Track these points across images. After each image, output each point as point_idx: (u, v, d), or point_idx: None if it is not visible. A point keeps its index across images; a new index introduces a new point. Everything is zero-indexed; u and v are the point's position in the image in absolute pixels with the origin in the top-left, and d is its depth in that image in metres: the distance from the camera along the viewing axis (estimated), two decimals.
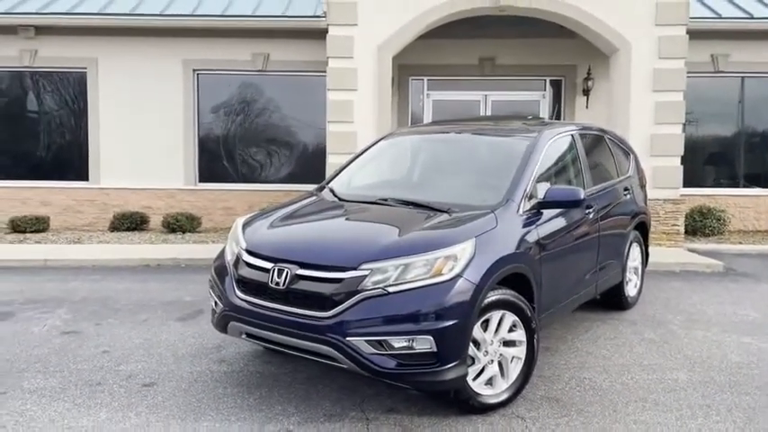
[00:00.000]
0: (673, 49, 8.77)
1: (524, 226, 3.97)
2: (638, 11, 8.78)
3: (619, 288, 5.60)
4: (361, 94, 8.96)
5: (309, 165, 10.67)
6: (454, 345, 3.32)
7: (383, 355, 3.28)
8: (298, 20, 10.06)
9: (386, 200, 4.26)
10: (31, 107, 10.91)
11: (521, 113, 10.38)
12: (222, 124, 10.93)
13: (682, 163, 9.08)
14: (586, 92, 10.50)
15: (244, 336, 3.76)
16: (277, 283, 3.52)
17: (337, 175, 5.00)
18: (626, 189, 5.64)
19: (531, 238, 3.98)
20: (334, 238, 3.83)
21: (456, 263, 3.41)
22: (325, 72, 9.20)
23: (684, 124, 9.15)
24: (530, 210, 4.06)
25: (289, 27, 10.16)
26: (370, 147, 5.29)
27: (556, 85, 10.96)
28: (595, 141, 5.53)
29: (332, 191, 4.70)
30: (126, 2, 10.57)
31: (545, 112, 10.95)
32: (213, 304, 3.98)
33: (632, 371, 4.36)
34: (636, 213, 5.78)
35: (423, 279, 3.34)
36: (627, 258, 5.62)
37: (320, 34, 9.35)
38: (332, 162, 8.74)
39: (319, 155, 10.26)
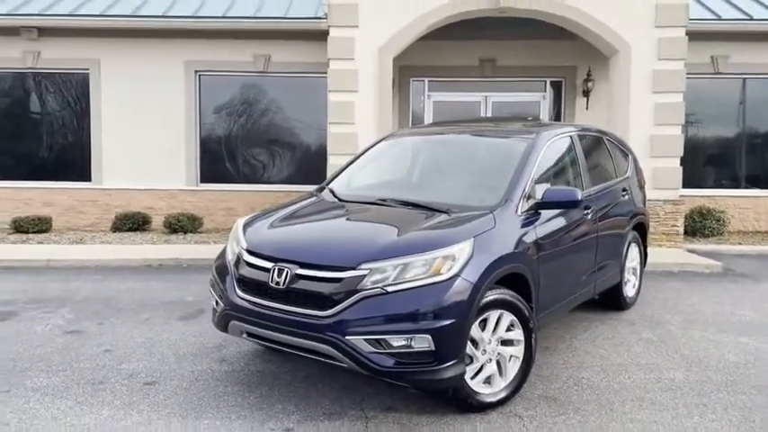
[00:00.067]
0: (672, 51, 8.80)
1: (522, 226, 4.01)
2: (637, 12, 8.82)
3: (617, 288, 5.63)
4: (362, 95, 9.00)
5: (310, 165, 10.71)
6: (452, 344, 3.36)
7: (382, 353, 3.32)
8: (299, 21, 10.11)
9: (385, 200, 4.30)
10: (34, 108, 10.97)
11: (521, 115, 10.43)
12: (224, 125, 10.99)
13: (681, 164, 9.11)
14: (586, 93, 10.54)
15: (244, 335, 3.80)
16: (277, 283, 3.56)
17: (337, 175, 5.04)
18: (624, 190, 5.68)
19: (530, 238, 4.01)
20: (334, 239, 3.87)
21: (454, 263, 3.45)
22: (326, 73, 9.24)
23: (686, 125, 9.19)
24: (528, 210, 4.09)
25: (290, 29, 10.21)
26: (370, 148, 5.33)
27: (556, 87, 11.00)
28: (594, 142, 5.57)
29: (332, 191, 4.74)
30: (128, 3, 10.63)
31: (545, 113, 10.99)
32: (214, 303, 4.03)
33: (629, 370, 4.40)
34: (634, 214, 5.81)
35: (421, 279, 3.38)
36: (625, 259, 5.65)
37: (321, 36, 9.40)
38: (333, 163, 8.78)
39: (320, 156, 10.30)
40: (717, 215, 9.90)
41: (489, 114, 10.91)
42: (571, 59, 10.60)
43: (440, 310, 3.33)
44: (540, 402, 3.84)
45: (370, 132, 8.77)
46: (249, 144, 11.01)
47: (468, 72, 10.82)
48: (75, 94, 10.87)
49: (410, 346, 3.31)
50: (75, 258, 8.08)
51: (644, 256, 6.24)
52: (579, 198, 4.18)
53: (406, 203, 4.22)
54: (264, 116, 11.04)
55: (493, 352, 3.69)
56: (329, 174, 7.50)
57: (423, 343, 3.30)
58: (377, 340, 3.31)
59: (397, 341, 3.30)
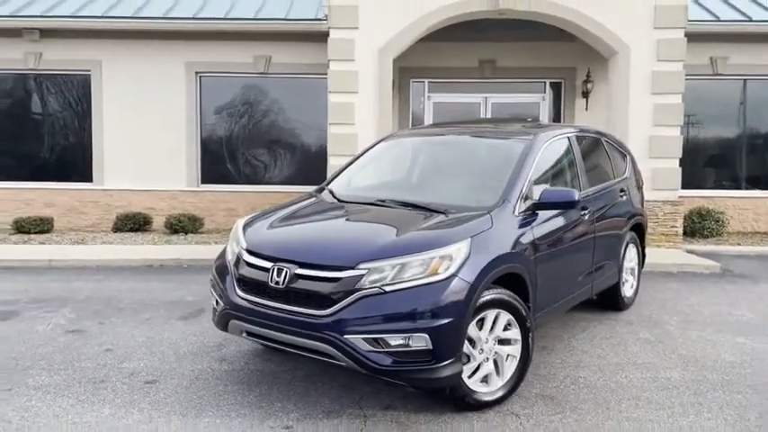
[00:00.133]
0: (671, 52, 8.84)
1: (520, 227, 4.04)
2: (636, 14, 8.85)
3: (615, 289, 5.66)
4: (362, 96, 9.04)
5: (311, 166, 10.76)
6: (449, 342, 3.39)
7: (380, 352, 3.35)
8: (299, 23, 10.16)
9: (384, 201, 4.34)
10: (36, 109, 11.03)
11: (520, 116, 10.47)
12: (224, 126, 11.03)
13: (680, 165, 9.14)
14: (586, 94, 10.57)
15: (244, 334, 3.83)
16: (277, 282, 3.59)
17: (337, 176, 5.08)
18: (622, 191, 5.71)
19: (527, 238, 4.05)
20: (333, 239, 3.91)
21: (451, 262, 3.48)
22: (326, 74, 9.28)
23: (685, 126, 9.21)
24: (525, 211, 4.13)
25: (290, 30, 10.26)
26: (369, 149, 5.36)
27: (556, 88, 11.04)
28: (592, 144, 5.60)
29: (331, 192, 4.78)
30: (130, 5, 10.68)
31: (545, 114, 11.02)
32: (214, 303, 4.06)
33: (627, 369, 4.43)
34: (632, 215, 5.84)
35: (419, 278, 3.42)
36: (623, 259, 5.68)
37: (322, 37, 9.44)
38: (333, 164, 8.83)
39: (321, 156, 10.34)
40: (716, 216, 9.93)
41: (489, 115, 10.95)
42: (571, 61, 10.64)
43: (437, 310, 3.36)
44: (538, 401, 3.87)
45: (370, 133, 8.81)
46: (250, 145, 11.06)
47: (468, 73, 10.86)
48: (76, 95, 10.93)
49: (408, 345, 3.35)
50: (76, 258, 8.12)
51: (642, 257, 6.27)
52: (576, 199, 4.21)
53: (404, 204, 4.25)
54: (265, 117, 11.09)
55: (490, 351, 3.72)
56: (329, 174, 7.55)
57: (420, 342, 3.34)
58: (375, 339, 3.34)
59: (395, 340, 3.34)
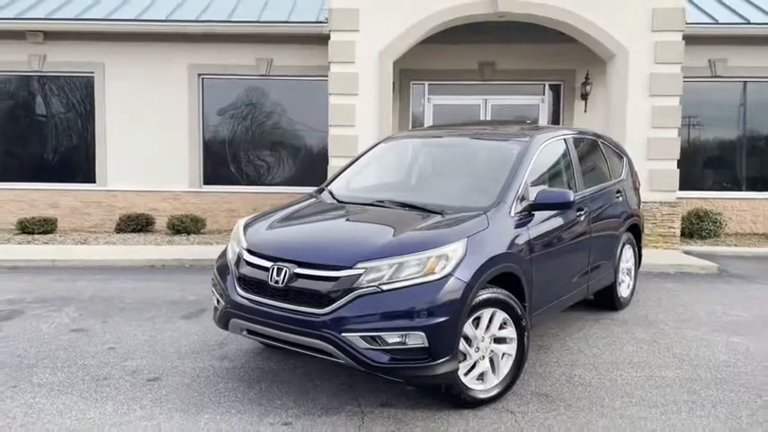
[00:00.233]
0: (669, 55, 8.90)
1: (516, 227, 4.11)
2: (634, 17, 8.91)
3: (611, 289, 5.72)
4: (363, 98, 9.12)
5: (312, 167, 10.83)
6: (445, 340, 3.46)
7: (377, 350, 3.42)
8: (301, 25, 10.25)
9: (382, 202, 4.41)
10: (40, 111, 11.13)
11: (519, 118, 10.55)
12: (227, 128, 11.12)
13: (679, 166, 9.20)
14: (585, 96, 10.63)
15: (244, 332, 3.90)
16: (276, 282, 3.67)
17: (336, 177, 5.16)
18: (618, 192, 5.77)
19: (523, 238, 4.11)
20: (332, 239, 3.98)
21: (447, 262, 3.55)
22: (327, 76, 9.36)
23: (685, 128, 9.25)
24: (521, 212, 4.19)
25: (292, 32, 10.35)
26: (368, 150, 5.44)
27: (555, 90, 11.11)
28: (589, 145, 5.67)
29: (331, 193, 4.85)
30: (132, 8, 10.78)
31: (544, 116, 11.09)
32: (215, 302, 4.14)
33: (621, 368, 4.49)
34: (629, 215, 5.91)
35: (415, 277, 3.48)
36: (619, 260, 5.74)
37: (323, 40, 9.52)
38: (333, 165, 8.90)
39: (322, 158, 10.40)
40: (714, 217, 9.98)
41: (489, 117, 11.02)
42: (570, 63, 10.70)
43: (433, 308, 3.43)
44: (533, 399, 3.93)
45: (370, 135, 8.88)
46: (251, 146, 11.14)
47: (468, 75, 10.93)
48: (79, 96, 11.02)
49: (404, 343, 3.41)
50: (79, 259, 8.21)
51: (638, 258, 6.33)
52: (571, 200, 4.28)
53: (402, 205, 4.32)
54: (267, 119, 11.18)
55: (486, 349, 3.79)
56: (329, 176, 7.62)
57: (417, 340, 3.41)
58: (372, 337, 3.41)
59: (392, 338, 3.41)
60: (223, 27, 10.31)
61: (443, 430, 3.50)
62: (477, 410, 3.72)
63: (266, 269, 3.75)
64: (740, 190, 10.90)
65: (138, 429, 3.49)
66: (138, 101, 10.76)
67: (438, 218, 4.00)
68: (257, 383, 4.14)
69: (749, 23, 10.00)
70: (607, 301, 5.83)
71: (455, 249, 3.60)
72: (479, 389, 3.77)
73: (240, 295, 3.84)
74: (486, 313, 3.75)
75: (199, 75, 10.81)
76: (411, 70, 10.74)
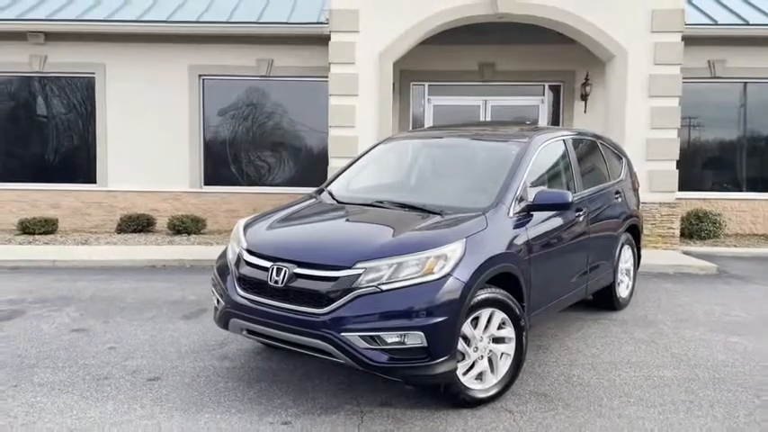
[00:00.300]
0: (668, 56, 8.91)
1: (514, 228, 4.13)
2: (634, 18, 8.93)
3: (610, 289, 5.74)
4: (363, 99, 9.14)
5: (312, 168, 10.85)
6: (444, 340, 3.47)
7: (376, 349, 3.44)
8: (301, 26, 10.28)
9: (381, 202, 4.43)
10: (41, 111, 11.16)
11: (520, 118, 10.57)
12: (227, 128, 11.14)
13: (678, 167, 9.22)
14: (584, 97, 10.65)
15: (244, 332, 3.92)
16: (276, 282, 3.69)
17: (336, 178, 5.18)
18: (617, 192, 5.79)
19: (521, 239, 4.13)
20: (331, 239, 4.00)
21: (446, 262, 3.57)
22: (327, 77, 9.38)
23: (685, 128, 9.25)
24: (520, 212, 4.21)
25: (292, 33, 10.37)
26: (368, 151, 5.46)
27: (555, 91, 11.13)
28: (587, 146, 5.69)
29: (330, 194, 4.88)
30: (133, 9, 10.81)
31: (544, 117, 11.11)
32: (215, 302, 4.16)
33: (620, 368, 4.51)
34: (627, 216, 5.92)
35: (414, 277, 3.50)
36: (618, 260, 5.76)
37: (323, 41, 9.54)
38: (334, 166, 8.92)
39: (322, 158, 10.42)
40: (713, 218, 10.00)
41: (489, 118, 11.04)
42: (569, 64, 10.72)
43: (432, 308, 3.45)
44: (531, 398, 3.95)
45: (370, 136, 8.90)
46: (252, 147, 11.17)
47: (468, 76, 10.95)
48: (80, 97, 11.05)
49: (403, 343, 3.43)
50: (80, 259, 8.23)
51: (637, 258, 6.35)
52: (569, 200, 4.29)
53: (401, 205, 4.34)
54: (267, 120, 11.20)
55: (485, 349, 3.80)
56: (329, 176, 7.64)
57: (415, 339, 3.43)
58: (371, 337, 3.43)
59: (391, 338, 3.43)
60: (223, 28, 10.34)
61: (442, 429, 3.51)
62: (475, 410, 3.74)
63: (266, 269, 3.77)
64: (740, 191, 10.92)
65: (138, 428, 3.51)
66: (138, 101, 10.80)
67: (437, 218, 4.02)
68: (257, 383, 4.16)
69: (748, 24, 10.02)
70: (606, 301, 5.84)
71: (454, 249, 3.62)
72: (478, 388, 3.79)
73: (240, 295, 3.86)
74: (484, 313, 3.76)
75: (199, 75, 10.84)
76: (411, 71, 10.77)
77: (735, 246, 9.59)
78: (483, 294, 3.72)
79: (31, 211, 10.73)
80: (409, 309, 3.44)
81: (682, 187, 9.60)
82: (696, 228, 9.95)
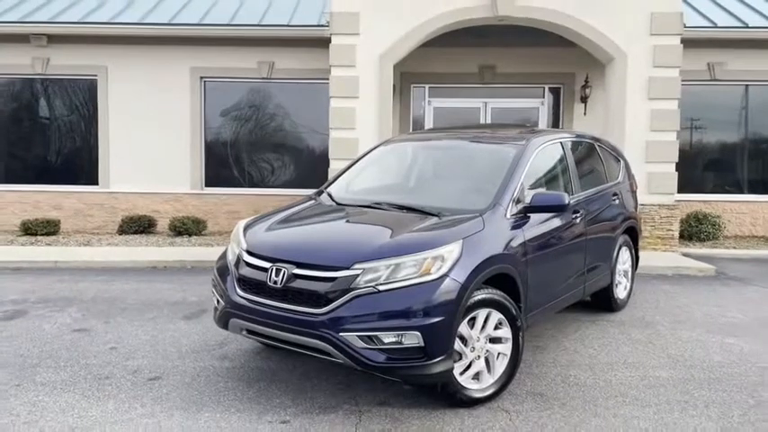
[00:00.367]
0: (667, 58, 8.95)
1: (511, 229, 4.17)
2: (633, 21, 8.97)
3: (608, 290, 5.77)
4: (363, 101, 9.18)
5: (313, 170, 10.89)
6: (441, 340, 3.52)
7: (374, 349, 3.48)
8: (302, 29, 10.33)
9: (380, 204, 4.47)
10: (43, 113, 11.22)
11: (520, 121, 10.61)
12: (228, 130, 11.20)
13: (678, 169, 9.24)
14: (584, 99, 10.68)
15: (244, 332, 3.97)
16: (275, 282, 3.73)
17: (335, 180, 5.22)
18: (615, 194, 5.82)
19: (518, 240, 4.17)
20: (330, 240, 4.05)
21: (443, 263, 3.61)
22: (328, 79, 9.43)
23: (690, 130, 9.26)
24: (517, 214, 4.25)
25: (293, 36, 10.43)
26: (367, 153, 5.50)
27: (555, 93, 11.17)
28: (586, 149, 5.73)
29: (329, 195, 4.92)
30: (135, 11, 10.88)
31: (544, 119, 11.15)
32: (215, 302, 4.21)
33: (616, 368, 4.54)
34: (625, 218, 5.95)
35: (412, 278, 3.54)
36: (616, 262, 5.79)
37: (323, 43, 9.59)
38: (334, 167, 8.97)
39: (323, 160, 10.45)
40: (713, 220, 10.03)
41: (489, 120, 11.08)
42: (569, 66, 10.76)
43: (429, 308, 3.49)
44: (528, 398, 3.98)
45: (370, 138, 8.94)
46: (253, 149, 11.22)
47: (468, 78, 10.99)
48: (82, 99, 11.12)
49: (401, 343, 3.47)
50: (82, 260, 8.28)
51: (635, 260, 6.38)
52: (566, 202, 4.33)
53: (399, 207, 4.38)
54: (268, 122, 11.25)
55: (481, 349, 3.84)
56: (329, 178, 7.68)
57: (412, 339, 3.47)
58: (369, 336, 3.47)
59: (389, 337, 3.47)
60: (225, 30, 10.40)
61: (439, 429, 3.55)
62: (472, 409, 3.78)
63: (265, 270, 3.82)
64: (740, 193, 10.94)
65: (138, 427, 3.55)
66: (140, 103, 10.85)
67: (435, 220, 4.06)
68: (256, 382, 4.20)
69: (747, 27, 10.05)
70: (604, 302, 5.87)
71: (451, 250, 3.66)
72: (475, 388, 3.82)
73: (240, 296, 3.91)
74: (481, 313, 3.80)
75: (201, 78, 10.90)
76: (411, 73, 10.81)
77: (734, 248, 9.62)
78: (480, 295, 3.76)
79: (33, 212, 10.79)
80: (406, 309, 3.48)
81: (682, 189, 9.63)
82: (696, 229, 9.98)
